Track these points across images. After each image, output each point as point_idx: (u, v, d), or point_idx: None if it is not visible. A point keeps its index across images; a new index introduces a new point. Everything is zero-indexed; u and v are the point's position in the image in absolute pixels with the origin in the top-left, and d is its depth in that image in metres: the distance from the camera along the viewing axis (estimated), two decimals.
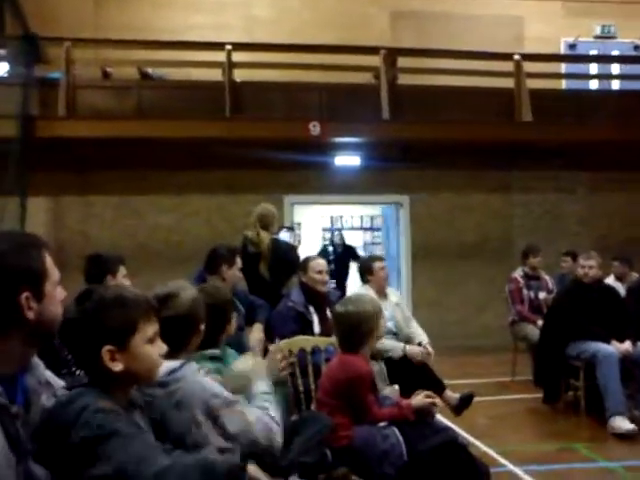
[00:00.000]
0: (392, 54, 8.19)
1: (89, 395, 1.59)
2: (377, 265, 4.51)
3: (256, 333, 4.05)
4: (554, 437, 4.69)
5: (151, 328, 1.73)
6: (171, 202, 7.88)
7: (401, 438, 2.91)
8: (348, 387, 2.97)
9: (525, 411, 5.42)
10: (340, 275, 8.72)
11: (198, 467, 1.58)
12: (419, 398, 3.09)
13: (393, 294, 4.70)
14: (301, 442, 2.86)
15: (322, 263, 4.20)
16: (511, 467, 4.05)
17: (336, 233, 9.16)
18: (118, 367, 1.64)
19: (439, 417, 4.51)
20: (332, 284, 6.76)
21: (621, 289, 5.79)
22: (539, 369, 5.53)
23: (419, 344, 4.41)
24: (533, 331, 5.99)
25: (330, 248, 8.85)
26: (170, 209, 7.81)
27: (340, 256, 8.90)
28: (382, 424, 3.00)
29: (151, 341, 1.73)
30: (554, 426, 4.99)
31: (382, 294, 4.48)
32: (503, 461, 4.15)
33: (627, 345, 4.92)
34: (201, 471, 1.57)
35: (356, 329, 3.05)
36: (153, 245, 7.41)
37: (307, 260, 4.26)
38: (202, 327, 2.25)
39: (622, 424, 4.65)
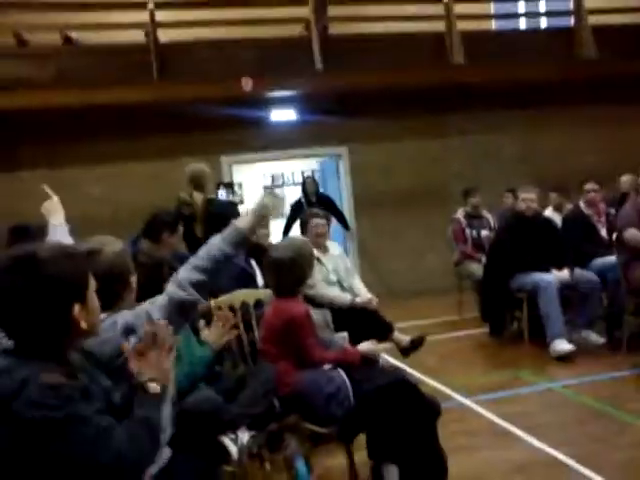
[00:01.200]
0: (321, 4, 8.01)
1: (29, 367, 1.49)
2: (312, 222, 4.49)
3: None
4: (501, 367, 4.86)
5: (92, 279, 1.67)
6: (104, 172, 7.62)
7: (347, 380, 2.93)
8: (285, 331, 2.96)
9: (473, 346, 5.57)
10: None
11: (143, 428, 1.57)
12: (367, 344, 3.12)
13: (333, 246, 4.69)
14: (247, 395, 2.86)
15: None
16: (462, 399, 4.19)
17: (308, 181, 7.89)
18: (84, 324, 1.58)
19: (389, 359, 4.62)
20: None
21: (558, 220, 5.92)
22: (485, 304, 5.67)
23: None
24: (477, 268, 6.12)
25: (302, 199, 7.66)
26: (103, 179, 7.55)
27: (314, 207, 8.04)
28: (327, 367, 3.01)
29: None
30: (500, 357, 5.17)
31: (320, 248, 4.48)
32: (454, 395, 4.28)
33: (565, 273, 5.07)
34: (145, 430, 1.57)
35: (288, 273, 3.04)
36: (87, 217, 7.16)
37: None
38: (132, 281, 2.16)
39: (562, 346, 4.85)
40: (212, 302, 3.34)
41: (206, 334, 2.85)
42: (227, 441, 2.52)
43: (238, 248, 2.05)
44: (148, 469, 1.64)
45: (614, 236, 4.85)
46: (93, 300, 1.66)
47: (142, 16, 7.47)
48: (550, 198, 6.71)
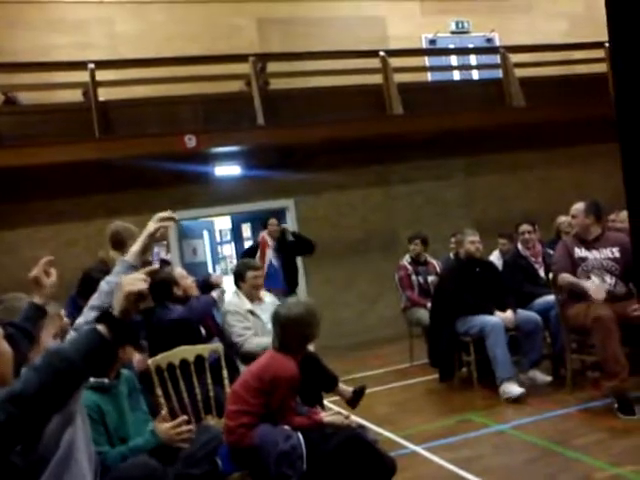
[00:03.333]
0: (261, 60, 8.22)
1: None
2: (249, 274, 4.47)
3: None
4: (452, 412, 4.86)
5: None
6: (47, 233, 7.45)
7: (303, 441, 2.87)
8: (271, 384, 2.93)
9: (424, 393, 5.56)
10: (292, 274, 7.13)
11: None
12: (332, 416, 3.07)
13: (266, 296, 4.67)
14: (187, 454, 2.77)
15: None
16: (413, 447, 4.16)
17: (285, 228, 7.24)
18: None
19: (341, 410, 4.56)
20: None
21: (499, 264, 6.05)
22: (432, 350, 5.69)
23: None
24: (424, 314, 6.17)
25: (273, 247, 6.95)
26: (46, 240, 7.38)
27: (290, 252, 7.06)
28: (286, 427, 2.95)
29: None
30: (451, 402, 5.16)
31: (255, 299, 4.47)
32: (406, 443, 4.25)
33: (509, 314, 5.16)
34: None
35: (295, 331, 3.04)
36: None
37: (171, 275, 4.24)
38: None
39: (512, 389, 4.89)
40: (150, 361, 3.26)
41: (160, 427, 2.75)
42: None
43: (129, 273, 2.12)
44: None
45: (550, 277, 4.97)
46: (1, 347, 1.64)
47: (82, 75, 7.49)
48: (499, 243, 6.84)
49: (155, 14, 9.23)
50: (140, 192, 7.71)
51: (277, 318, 3.12)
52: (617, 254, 4.54)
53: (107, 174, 7.56)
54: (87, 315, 2.05)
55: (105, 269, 4.33)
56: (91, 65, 7.47)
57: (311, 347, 4.39)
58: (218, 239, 10.42)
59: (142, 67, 7.97)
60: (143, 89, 8.00)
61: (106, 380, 2.68)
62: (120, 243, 4.49)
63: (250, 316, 4.32)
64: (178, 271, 4.25)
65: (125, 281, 1.78)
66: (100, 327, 1.62)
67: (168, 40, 8.92)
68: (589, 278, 4.52)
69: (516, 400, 4.81)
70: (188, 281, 4.22)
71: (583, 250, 4.64)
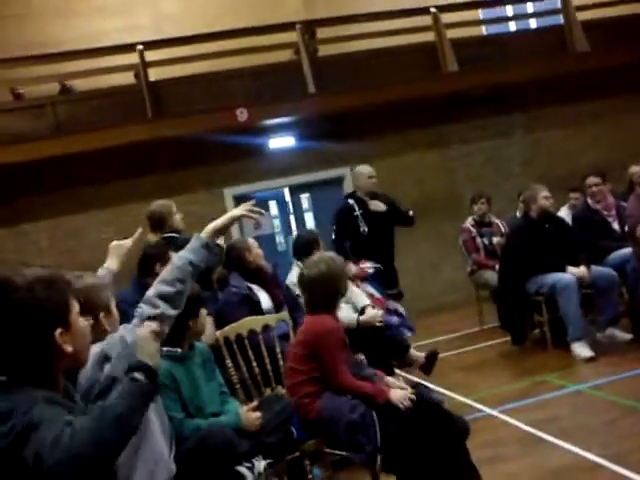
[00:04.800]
0: (308, 27, 8.05)
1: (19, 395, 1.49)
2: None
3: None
4: (526, 374, 4.71)
5: (75, 302, 1.65)
6: (108, 215, 7.59)
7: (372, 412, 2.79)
8: (315, 345, 2.88)
9: (496, 356, 5.41)
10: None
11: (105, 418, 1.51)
12: (399, 393, 2.86)
13: None
14: (262, 424, 2.75)
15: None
16: (489, 410, 4.06)
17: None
18: (70, 348, 1.57)
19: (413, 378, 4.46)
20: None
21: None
22: (503, 312, 5.51)
23: (363, 309, 4.21)
24: (492, 276, 5.97)
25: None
26: (108, 222, 7.51)
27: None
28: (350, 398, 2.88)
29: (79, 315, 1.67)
30: (525, 364, 5.01)
31: None
32: (480, 407, 4.15)
33: (582, 270, 4.93)
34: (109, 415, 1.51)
35: (320, 289, 2.98)
36: (97, 263, 7.12)
37: (245, 242, 4.16)
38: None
39: (581, 351, 4.72)
40: (218, 333, 3.25)
41: (248, 416, 2.72)
42: (243, 470, 2.43)
43: (200, 254, 2.10)
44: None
45: (626, 230, 4.71)
46: (77, 323, 1.62)
47: (132, 58, 7.53)
48: (570, 197, 6.54)
49: None
50: (196, 169, 7.75)
51: (301, 282, 3.09)
52: None
53: (162, 154, 7.61)
54: (157, 289, 2.03)
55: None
56: (140, 46, 7.50)
57: (372, 310, 4.29)
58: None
59: (188, 44, 7.93)
60: (192, 67, 7.97)
61: (179, 350, 2.68)
62: (158, 222, 4.42)
63: None
64: (250, 241, 4.20)
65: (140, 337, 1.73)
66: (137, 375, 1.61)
67: (213, 17, 8.84)
68: None
69: (593, 359, 4.62)
70: (258, 251, 4.17)
71: None
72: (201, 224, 2.28)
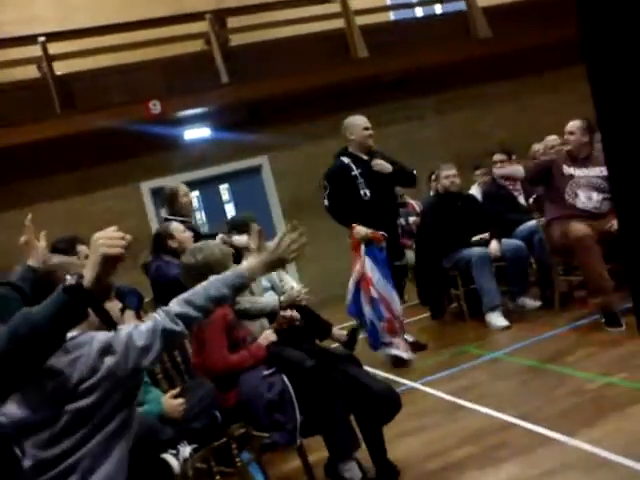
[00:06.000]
0: (218, 16, 7.97)
1: None
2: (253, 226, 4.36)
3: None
4: (446, 347, 4.89)
5: None
6: (20, 217, 7.26)
7: (289, 383, 2.86)
8: (197, 336, 2.91)
9: (417, 332, 5.55)
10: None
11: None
12: (264, 334, 3.12)
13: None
14: (185, 410, 2.76)
15: None
16: (412, 384, 4.18)
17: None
18: None
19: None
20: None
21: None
22: (421, 289, 5.71)
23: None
24: (410, 256, 6.14)
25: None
26: (20, 224, 7.19)
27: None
28: (267, 372, 2.94)
29: None
30: (444, 337, 5.21)
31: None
32: (404, 381, 4.27)
33: (494, 244, 5.16)
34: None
35: (199, 277, 2.94)
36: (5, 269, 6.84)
37: (167, 228, 4.29)
38: None
39: (496, 321, 4.94)
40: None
41: (170, 403, 2.73)
42: (168, 456, 2.43)
43: (237, 293, 1.97)
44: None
45: (531, 201, 4.97)
46: None
47: (36, 50, 7.23)
48: (475, 175, 6.80)
49: None
50: (111, 164, 7.56)
51: (184, 269, 3.08)
52: (606, 172, 4.52)
53: (75, 150, 7.37)
54: (185, 309, 1.85)
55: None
56: (41, 38, 7.21)
57: (297, 286, 4.35)
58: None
59: (92, 36, 7.67)
60: (103, 59, 7.74)
61: None
62: (169, 201, 4.81)
63: None
64: (174, 225, 4.23)
65: (100, 242, 1.59)
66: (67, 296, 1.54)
67: (121, 7, 8.59)
68: (577, 195, 4.51)
69: (508, 328, 4.86)
70: (185, 234, 4.18)
71: (573, 167, 4.60)
72: (120, 219, 2.24)
